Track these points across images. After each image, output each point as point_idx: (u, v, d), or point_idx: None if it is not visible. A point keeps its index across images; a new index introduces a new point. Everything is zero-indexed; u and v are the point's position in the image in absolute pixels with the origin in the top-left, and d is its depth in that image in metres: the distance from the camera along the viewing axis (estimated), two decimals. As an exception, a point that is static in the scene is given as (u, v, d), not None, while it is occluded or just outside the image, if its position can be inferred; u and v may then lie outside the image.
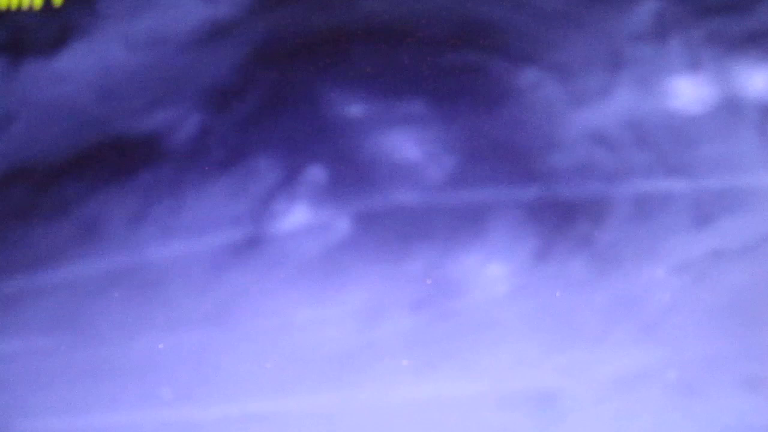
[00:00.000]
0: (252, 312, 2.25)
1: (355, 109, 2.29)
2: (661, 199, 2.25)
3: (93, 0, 2.31)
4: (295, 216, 2.27)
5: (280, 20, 2.32)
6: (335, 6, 2.32)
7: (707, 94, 2.28)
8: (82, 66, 2.30)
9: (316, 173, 2.28)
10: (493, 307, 2.24)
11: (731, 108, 2.27)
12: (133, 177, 2.29)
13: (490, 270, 2.25)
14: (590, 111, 2.28)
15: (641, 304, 2.23)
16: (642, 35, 2.29)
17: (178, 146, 2.29)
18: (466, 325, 2.24)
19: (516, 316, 2.24)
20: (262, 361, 2.23)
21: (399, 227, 2.27)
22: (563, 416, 2.21)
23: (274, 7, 2.32)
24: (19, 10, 2.30)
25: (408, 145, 2.29)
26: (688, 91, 2.28)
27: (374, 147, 2.29)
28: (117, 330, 2.24)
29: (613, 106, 2.28)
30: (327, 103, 2.30)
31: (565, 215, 2.26)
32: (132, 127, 2.30)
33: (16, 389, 2.22)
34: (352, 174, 2.28)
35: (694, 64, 2.28)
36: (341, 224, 2.26)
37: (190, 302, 2.25)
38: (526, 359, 2.23)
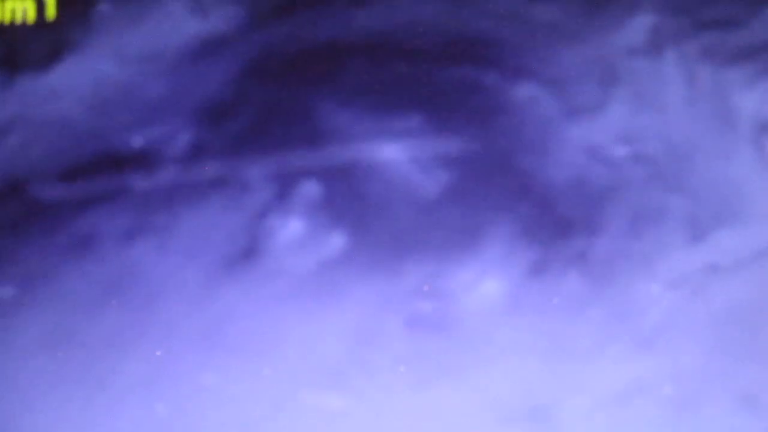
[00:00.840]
0: (247, 325, 2.25)
1: (349, 124, 2.29)
2: (657, 214, 2.26)
3: (86, 14, 2.31)
4: (290, 231, 2.27)
5: (274, 35, 2.32)
6: (329, 21, 2.32)
7: (703, 108, 2.28)
8: (75, 81, 2.30)
9: (310, 188, 2.28)
10: (489, 322, 2.24)
11: (727, 123, 2.27)
12: (127, 191, 2.28)
13: (486, 285, 2.25)
14: (585, 125, 2.29)
15: (636, 318, 2.23)
16: (637, 50, 2.29)
17: (172, 161, 2.29)
18: (461, 340, 2.24)
19: (511, 331, 2.24)
20: (256, 374, 2.23)
21: (394, 242, 2.26)
22: (558, 430, 2.21)
23: (267, 22, 2.32)
24: (12, 24, 2.29)
25: (402, 159, 2.28)
26: (683, 106, 2.28)
27: (369, 162, 2.28)
28: (111, 343, 2.24)
29: (609, 121, 2.28)
30: (321, 118, 2.30)
31: (560, 230, 2.26)
32: (126, 142, 2.29)
33: (12, 401, 2.22)
34: (346, 189, 2.28)
35: (689, 79, 2.28)
36: (336, 239, 2.26)
37: (184, 316, 2.25)
38: (522, 373, 2.23)
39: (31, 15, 2.30)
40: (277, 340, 2.24)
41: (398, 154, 2.29)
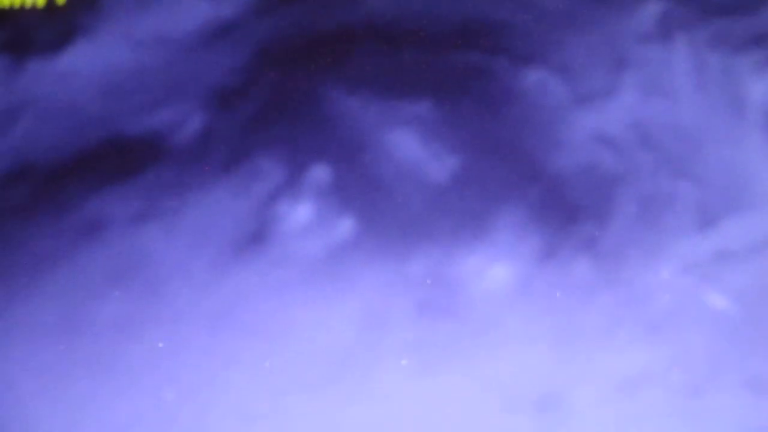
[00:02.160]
0: (255, 312, 2.25)
1: (358, 110, 2.29)
2: (666, 200, 2.25)
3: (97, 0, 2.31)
4: (299, 216, 2.27)
5: (284, 20, 2.32)
6: (339, 6, 2.32)
7: (712, 95, 2.28)
8: (85, 65, 2.30)
9: (319, 174, 2.28)
10: (497, 308, 2.24)
11: (736, 109, 2.27)
12: (137, 176, 2.29)
13: (494, 271, 2.25)
14: (595, 112, 2.28)
15: (646, 305, 2.23)
16: (646, 36, 2.29)
17: (181, 146, 2.29)
18: (469, 327, 2.23)
19: (520, 318, 2.23)
20: (264, 361, 2.23)
21: (403, 228, 2.26)
22: (567, 418, 2.20)
23: (278, 6, 2.32)
24: (22, 9, 2.30)
25: (412, 145, 2.28)
26: (692, 93, 2.28)
27: (378, 147, 2.28)
28: (119, 329, 2.24)
29: (618, 107, 2.28)
30: (331, 104, 2.30)
31: (569, 216, 2.26)
32: (135, 126, 2.30)
33: (16, 389, 2.21)
34: (355, 174, 2.28)
35: (699, 66, 2.28)
36: (345, 225, 2.26)
37: (193, 302, 2.25)
38: (530, 361, 2.22)
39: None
40: (285, 325, 2.24)
41: (407, 139, 2.29)
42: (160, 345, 2.22)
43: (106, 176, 2.28)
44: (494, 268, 2.25)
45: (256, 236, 2.27)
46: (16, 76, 2.30)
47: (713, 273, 2.23)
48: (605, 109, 2.28)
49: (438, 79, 2.29)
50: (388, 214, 2.27)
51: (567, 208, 2.26)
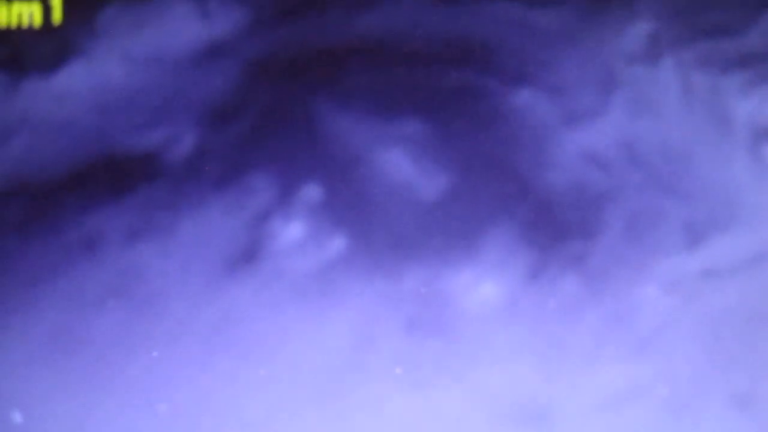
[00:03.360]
0: (248, 326, 2.27)
1: (350, 128, 2.31)
2: (653, 218, 2.27)
3: (92, 18, 2.33)
4: (291, 233, 2.29)
5: (276, 39, 2.34)
6: (331, 25, 2.34)
7: (699, 114, 2.29)
8: (80, 84, 2.32)
9: (311, 191, 2.30)
10: (486, 325, 2.26)
11: (723, 129, 2.29)
12: (131, 193, 2.30)
13: (483, 288, 2.27)
14: (583, 131, 2.30)
15: (633, 322, 2.25)
16: (635, 57, 2.31)
17: (175, 163, 2.31)
18: (459, 343, 2.26)
19: (508, 334, 2.25)
20: (256, 375, 2.25)
21: (394, 245, 2.28)
22: (554, 433, 2.23)
23: (271, 25, 2.34)
24: (19, 28, 2.32)
25: (403, 163, 2.30)
26: (680, 112, 2.30)
27: (369, 165, 2.30)
28: (113, 344, 2.26)
29: (606, 126, 2.30)
30: (322, 122, 2.32)
31: (557, 234, 2.28)
32: (130, 144, 2.31)
33: (13, 401, 2.23)
34: (347, 192, 2.30)
35: (687, 86, 2.30)
36: (336, 242, 2.28)
37: (187, 317, 2.27)
38: (517, 376, 2.24)
39: (38, 19, 2.32)
40: (277, 342, 2.26)
41: (398, 157, 2.31)
42: (155, 354, 2.24)
43: (100, 193, 2.30)
44: (483, 285, 2.27)
45: (249, 253, 2.29)
46: (12, 94, 2.31)
47: (700, 290, 2.25)
48: (594, 128, 2.30)
49: (429, 99, 2.31)
50: (379, 232, 2.29)
51: (555, 226, 2.28)
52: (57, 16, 2.32)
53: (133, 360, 2.25)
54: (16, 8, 2.32)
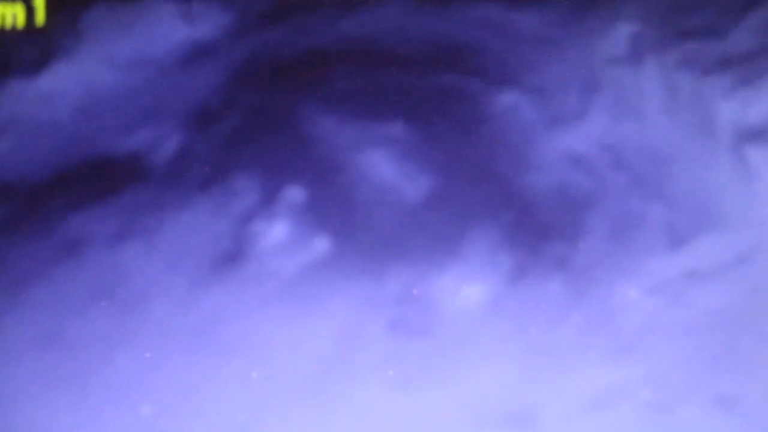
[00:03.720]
0: (232, 328, 2.27)
1: (333, 130, 2.31)
2: (636, 220, 2.28)
3: (76, 20, 2.33)
4: (275, 235, 2.29)
5: (261, 43, 2.34)
6: (316, 28, 2.34)
7: (682, 117, 2.30)
8: (65, 86, 2.32)
9: (295, 193, 2.30)
10: (470, 327, 2.26)
11: (706, 131, 2.30)
12: (116, 195, 2.30)
13: (467, 290, 2.27)
14: (566, 133, 2.31)
15: (616, 323, 2.25)
16: (617, 59, 2.32)
17: (160, 166, 2.31)
18: (442, 344, 2.26)
19: (492, 336, 2.25)
20: (241, 377, 2.24)
21: (377, 247, 2.28)
22: (539, 435, 2.23)
23: (255, 29, 2.34)
24: (2, 30, 2.32)
25: (386, 165, 2.31)
26: (662, 114, 2.30)
27: (352, 168, 2.31)
28: (98, 345, 2.26)
29: (589, 129, 2.30)
30: (306, 124, 2.32)
31: (540, 236, 2.28)
32: (114, 146, 2.31)
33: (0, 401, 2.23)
34: (330, 194, 2.30)
35: (670, 88, 2.31)
36: (320, 244, 2.28)
37: (171, 319, 2.27)
38: (502, 378, 2.24)
39: (21, 20, 2.32)
40: (262, 343, 2.26)
41: (382, 160, 2.31)
42: (147, 355, 2.24)
43: (85, 195, 2.30)
44: (467, 287, 2.27)
45: (234, 254, 2.29)
46: (-4, 96, 2.32)
47: (683, 292, 2.25)
48: (577, 130, 2.30)
49: (412, 101, 2.32)
50: (363, 234, 2.29)
51: (538, 228, 2.28)
52: (40, 17, 2.32)
53: (118, 361, 2.25)
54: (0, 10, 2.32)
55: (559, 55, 2.32)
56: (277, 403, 2.23)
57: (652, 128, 2.30)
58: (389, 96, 2.32)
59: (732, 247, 2.26)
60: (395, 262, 2.27)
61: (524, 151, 2.30)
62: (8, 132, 2.31)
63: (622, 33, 2.31)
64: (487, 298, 2.26)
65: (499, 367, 2.25)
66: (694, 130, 2.29)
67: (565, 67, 2.31)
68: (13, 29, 2.31)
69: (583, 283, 2.25)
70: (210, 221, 2.30)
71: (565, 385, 2.23)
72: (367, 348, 2.25)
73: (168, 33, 2.33)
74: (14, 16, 2.32)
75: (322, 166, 2.30)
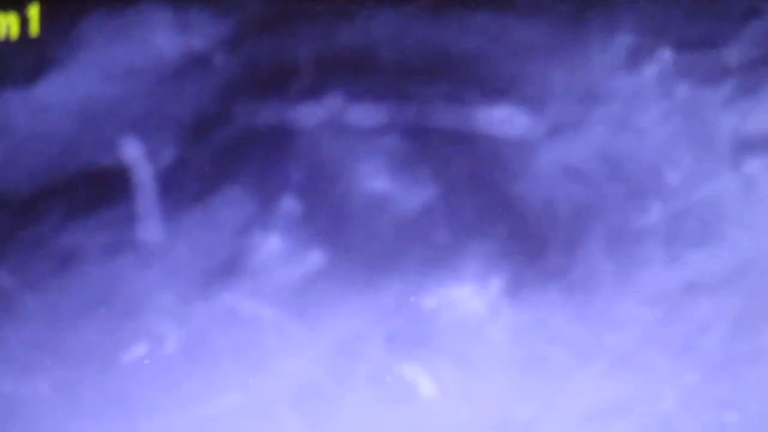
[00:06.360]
0: (226, 341, 2.26)
1: (329, 140, 2.31)
2: (634, 232, 2.26)
3: (70, 30, 2.32)
4: (270, 247, 2.28)
5: (255, 52, 2.33)
6: (311, 38, 2.33)
7: (681, 127, 2.29)
8: (59, 96, 2.31)
9: (290, 205, 2.29)
10: (466, 339, 2.25)
11: (704, 141, 2.28)
12: (110, 206, 2.30)
13: (464, 301, 2.26)
14: (565, 143, 2.30)
15: (613, 336, 2.24)
16: (616, 69, 2.30)
17: (154, 176, 2.30)
18: (438, 356, 2.25)
19: (489, 348, 2.24)
20: (236, 389, 2.24)
21: (373, 259, 2.27)
22: (536, 448, 2.22)
23: (250, 39, 2.33)
24: (-4, 40, 2.31)
25: (382, 177, 2.30)
26: (661, 125, 2.29)
27: (348, 179, 2.30)
28: (93, 357, 2.25)
29: (587, 140, 2.29)
30: (302, 135, 2.31)
31: (538, 248, 2.27)
32: (108, 157, 2.31)
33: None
34: (326, 206, 2.29)
35: (668, 98, 2.29)
36: (315, 255, 2.27)
37: (166, 331, 2.26)
38: (499, 391, 2.23)
39: (15, 31, 2.31)
40: (257, 356, 2.25)
41: (378, 171, 2.30)
42: (146, 361, 2.23)
43: (80, 206, 2.29)
44: (463, 299, 2.26)
45: (229, 266, 2.28)
46: (-10, 106, 2.31)
47: (681, 305, 2.24)
48: (574, 141, 2.29)
49: (408, 112, 2.31)
50: (359, 245, 2.28)
51: (535, 240, 2.27)
52: (34, 28, 2.31)
53: (112, 372, 2.25)
54: (-7, 20, 2.31)
55: (557, 65, 2.30)
56: (271, 414, 2.23)
57: (651, 139, 2.29)
58: (386, 107, 2.31)
59: (730, 259, 2.24)
60: (391, 273, 2.27)
61: (521, 162, 2.29)
62: (2, 142, 2.30)
63: (620, 43, 2.30)
64: (484, 311, 2.25)
65: (496, 379, 2.24)
66: (693, 140, 2.28)
67: (563, 77, 2.30)
68: (7, 40, 2.30)
69: (581, 295, 2.24)
70: (205, 233, 2.29)
71: (562, 397, 2.22)
72: (363, 359, 2.25)
73: (163, 43, 2.32)
74: (8, 26, 2.31)
75: (318, 178, 2.29)
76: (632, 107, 2.29)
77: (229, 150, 2.31)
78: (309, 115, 2.30)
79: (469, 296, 2.25)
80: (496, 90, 2.31)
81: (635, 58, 2.30)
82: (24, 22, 2.32)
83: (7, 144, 2.30)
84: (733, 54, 2.29)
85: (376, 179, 2.29)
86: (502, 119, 2.29)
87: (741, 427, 2.19)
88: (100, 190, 2.30)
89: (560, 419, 2.21)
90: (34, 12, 2.31)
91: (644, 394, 2.21)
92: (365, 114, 2.30)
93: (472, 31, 2.34)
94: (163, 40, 2.32)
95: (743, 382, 2.20)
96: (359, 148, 2.30)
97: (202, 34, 2.33)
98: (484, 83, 2.31)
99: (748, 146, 2.28)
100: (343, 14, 2.33)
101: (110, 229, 2.29)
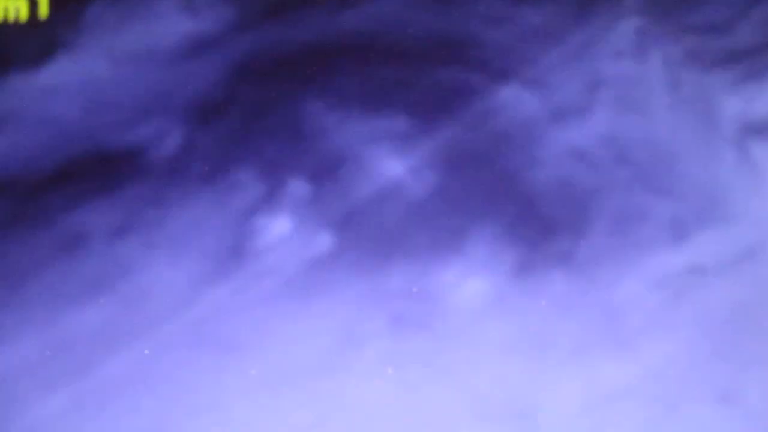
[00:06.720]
0: (233, 324, 2.26)
1: (337, 125, 2.31)
2: (640, 215, 2.27)
3: (78, 14, 2.33)
4: (277, 230, 2.29)
5: (264, 36, 2.34)
6: (318, 22, 2.34)
7: (686, 111, 2.30)
8: (67, 79, 2.32)
9: (298, 188, 2.29)
10: (474, 322, 2.26)
11: (710, 125, 2.29)
12: (117, 190, 2.30)
13: (470, 285, 2.27)
14: (570, 127, 2.30)
15: (620, 319, 2.24)
16: (621, 53, 2.31)
17: (161, 159, 2.31)
18: (446, 339, 2.25)
19: (495, 331, 2.25)
20: (242, 373, 2.24)
21: (380, 242, 2.28)
22: (543, 430, 2.22)
23: (257, 22, 2.34)
24: (5, 23, 2.32)
25: (389, 160, 2.30)
26: (667, 109, 2.30)
27: (356, 162, 2.30)
28: (99, 341, 2.25)
29: (593, 123, 2.30)
30: (309, 119, 2.32)
31: (544, 231, 2.28)
32: (116, 140, 2.31)
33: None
34: (333, 189, 2.30)
35: (674, 82, 2.30)
36: (323, 239, 2.28)
37: (172, 315, 2.26)
38: (506, 373, 2.24)
39: (24, 13, 2.32)
40: (263, 339, 2.25)
41: (385, 154, 2.30)
42: (146, 352, 2.23)
43: (87, 189, 2.30)
44: (470, 282, 2.26)
45: (235, 250, 2.28)
46: (-2, 89, 2.31)
47: (687, 287, 2.25)
48: (581, 125, 2.30)
49: (416, 95, 2.31)
50: (366, 229, 2.28)
51: (542, 222, 2.28)
52: (43, 10, 2.32)
53: (118, 356, 2.25)
54: (2, 3, 2.32)
55: (562, 49, 2.31)
56: (277, 399, 2.23)
57: (656, 123, 2.29)
58: (392, 91, 2.32)
59: (737, 242, 2.25)
60: (398, 257, 2.27)
61: (527, 146, 2.29)
62: (9, 126, 2.31)
63: (626, 27, 2.31)
64: (490, 294, 2.26)
65: (501, 363, 2.24)
66: (699, 124, 2.29)
67: (568, 61, 2.31)
68: (16, 22, 2.31)
69: (587, 278, 2.25)
70: (212, 216, 2.29)
71: (568, 381, 2.22)
72: (368, 344, 2.25)
73: (171, 27, 2.33)
74: (17, 9, 2.31)
75: (325, 161, 2.30)
76: (638, 91, 2.30)
77: (237, 134, 2.31)
78: (316, 98, 2.31)
79: (475, 280, 2.26)
80: (502, 74, 2.32)
81: (641, 42, 2.31)
82: (33, 5, 2.32)
83: (14, 127, 2.30)
84: (739, 38, 2.30)
85: (382, 163, 2.30)
86: (509, 103, 2.30)
87: (747, 409, 2.20)
88: (107, 173, 2.30)
89: (566, 401, 2.21)
90: (43, -5, 2.32)
91: (650, 378, 2.21)
92: (371, 98, 2.31)
93: (477, 15, 2.35)
94: (171, 23, 2.32)
95: (750, 365, 2.21)
96: (366, 132, 2.30)
97: (209, 18, 2.33)
98: (490, 67, 2.32)
99: (753, 130, 2.28)
100: (350, -2, 2.34)
101: (117, 212, 2.29)
